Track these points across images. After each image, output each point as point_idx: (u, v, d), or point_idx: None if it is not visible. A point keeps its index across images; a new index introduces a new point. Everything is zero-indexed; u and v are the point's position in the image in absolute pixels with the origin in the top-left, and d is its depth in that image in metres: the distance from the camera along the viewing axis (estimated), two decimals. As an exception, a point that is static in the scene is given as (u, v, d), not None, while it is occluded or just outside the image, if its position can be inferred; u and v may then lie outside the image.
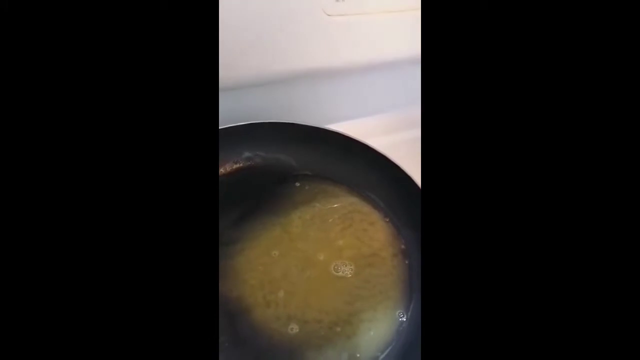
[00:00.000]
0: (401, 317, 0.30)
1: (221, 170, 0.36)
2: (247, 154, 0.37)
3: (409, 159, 0.34)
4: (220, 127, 0.33)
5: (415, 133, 0.42)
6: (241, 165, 0.37)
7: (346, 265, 0.31)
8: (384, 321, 0.29)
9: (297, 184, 0.36)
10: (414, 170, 0.33)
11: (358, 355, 0.28)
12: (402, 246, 0.33)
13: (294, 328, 0.28)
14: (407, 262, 0.32)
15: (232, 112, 0.35)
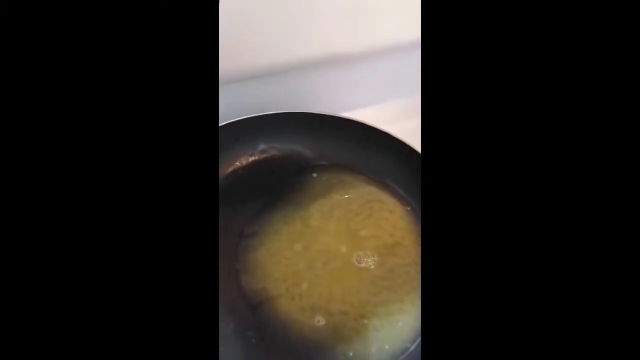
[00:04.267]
0: (429, 307, 0.29)
1: (237, 164, 0.35)
2: (262, 146, 0.36)
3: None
4: (232, 120, 0.32)
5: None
6: (256, 158, 0.36)
7: (369, 257, 0.31)
8: (412, 312, 0.29)
9: (314, 175, 0.36)
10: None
11: (387, 347, 0.27)
12: (426, 234, 0.33)
13: (320, 320, 0.28)
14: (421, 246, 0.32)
15: (244, 104, 0.35)
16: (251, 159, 0.36)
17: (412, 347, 0.28)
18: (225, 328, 0.28)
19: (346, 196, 0.35)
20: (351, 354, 0.27)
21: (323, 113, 0.35)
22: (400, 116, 0.41)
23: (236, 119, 0.32)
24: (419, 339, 0.28)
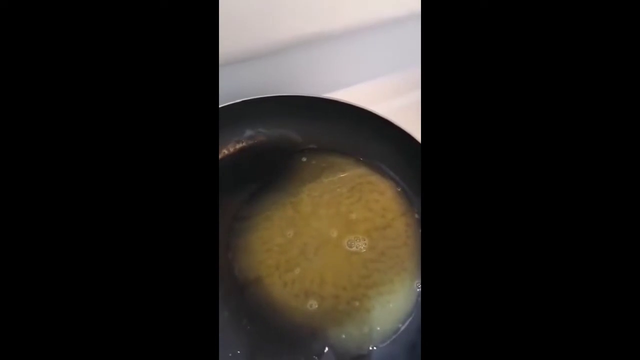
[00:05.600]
0: (419, 288, 0.30)
1: (224, 152, 0.35)
2: (249, 132, 0.35)
3: (418, 124, 0.33)
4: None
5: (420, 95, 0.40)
6: (244, 144, 0.35)
7: (360, 240, 0.31)
8: (402, 293, 0.29)
9: (304, 159, 0.35)
10: (423, 135, 0.32)
11: (379, 328, 0.28)
12: (416, 216, 0.33)
13: (312, 304, 0.29)
14: (421, 231, 0.32)
15: (227, 89, 0.34)
16: (238, 145, 0.35)
17: (403, 327, 0.28)
18: (221, 315, 0.28)
19: (336, 179, 0.34)
20: (344, 336, 0.28)
21: (309, 95, 0.34)
22: (388, 93, 0.41)
23: (220, 106, 0.32)
24: (409, 318, 0.29)
